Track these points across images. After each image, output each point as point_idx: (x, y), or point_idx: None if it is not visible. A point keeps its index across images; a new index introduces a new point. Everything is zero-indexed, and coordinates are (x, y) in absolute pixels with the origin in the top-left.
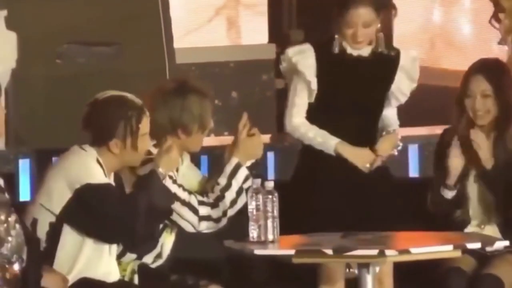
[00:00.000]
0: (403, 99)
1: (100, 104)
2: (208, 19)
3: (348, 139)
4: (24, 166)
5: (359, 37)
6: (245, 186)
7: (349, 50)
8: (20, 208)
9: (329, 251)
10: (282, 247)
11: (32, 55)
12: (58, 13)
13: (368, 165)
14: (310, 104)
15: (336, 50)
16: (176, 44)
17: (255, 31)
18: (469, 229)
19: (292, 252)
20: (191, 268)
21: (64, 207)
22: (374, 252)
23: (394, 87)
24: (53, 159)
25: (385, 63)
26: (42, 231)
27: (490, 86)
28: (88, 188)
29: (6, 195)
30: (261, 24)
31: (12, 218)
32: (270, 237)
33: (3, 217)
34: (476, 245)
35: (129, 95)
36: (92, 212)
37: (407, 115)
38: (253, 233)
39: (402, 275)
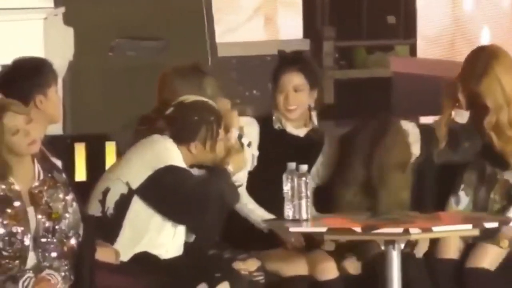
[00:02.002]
0: (318, 181)
1: (185, 107)
2: (248, 17)
3: (278, 210)
4: (79, 150)
5: (290, 101)
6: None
7: (289, 128)
8: (76, 188)
9: (358, 229)
10: (315, 225)
11: (87, 49)
12: (111, 10)
13: (293, 239)
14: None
15: (276, 126)
16: (218, 39)
17: (291, 27)
18: None
19: (324, 229)
20: (231, 243)
21: (143, 183)
22: (399, 230)
23: (314, 169)
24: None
25: (314, 144)
26: (111, 200)
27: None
28: (170, 169)
29: (64, 176)
30: (296, 21)
31: (70, 197)
32: (304, 215)
33: (61, 196)
34: (494, 225)
35: (210, 101)
36: (168, 192)
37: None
38: (288, 212)
39: None
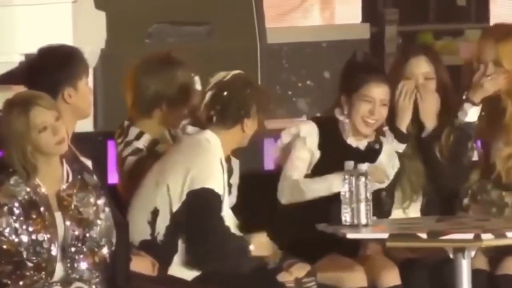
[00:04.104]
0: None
1: (230, 84)
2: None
3: (329, 216)
4: (113, 148)
5: (376, 115)
6: None
7: (349, 140)
8: (109, 191)
9: (424, 235)
10: (375, 231)
11: (121, 35)
12: None
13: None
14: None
15: (344, 136)
16: (269, 24)
17: (348, 10)
18: (394, 214)
19: (385, 236)
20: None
21: (179, 208)
22: (470, 236)
23: None
24: None
25: (371, 155)
26: (161, 225)
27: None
28: (204, 192)
29: (95, 178)
30: (354, 3)
31: (102, 201)
32: (363, 220)
33: (92, 200)
34: None
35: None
36: (199, 219)
37: None
38: (346, 216)
39: None
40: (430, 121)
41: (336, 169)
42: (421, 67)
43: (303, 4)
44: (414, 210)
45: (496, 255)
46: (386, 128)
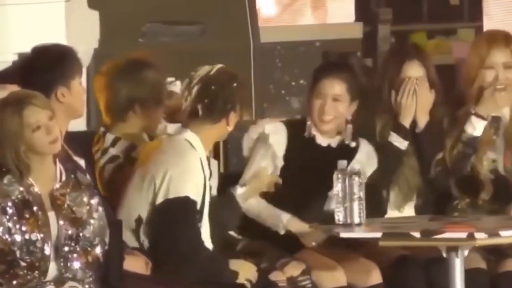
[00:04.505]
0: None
1: (216, 78)
2: None
3: (300, 216)
4: None
5: (327, 111)
6: None
7: (319, 140)
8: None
9: (417, 234)
10: (369, 230)
11: (115, 34)
12: None
13: (314, 243)
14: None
15: (306, 134)
16: (262, 23)
17: (341, 10)
18: (389, 214)
19: (379, 235)
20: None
21: (153, 212)
22: (463, 235)
23: None
24: None
25: (346, 153)
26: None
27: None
28: (178, 202)
29: (88, 177)
30: (348, 2)
31: (95, 201)
32: (356, 219)
33: (85, 199)
34: None
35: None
36: (172, 230)
37: None
38: (338, 215)
39: None
40: (423, 117)
41: (306, 169)
42: (414, 71)
43: (296, 3)
44: (409, 209)
45: (495, 257)
46: (349, 126)
